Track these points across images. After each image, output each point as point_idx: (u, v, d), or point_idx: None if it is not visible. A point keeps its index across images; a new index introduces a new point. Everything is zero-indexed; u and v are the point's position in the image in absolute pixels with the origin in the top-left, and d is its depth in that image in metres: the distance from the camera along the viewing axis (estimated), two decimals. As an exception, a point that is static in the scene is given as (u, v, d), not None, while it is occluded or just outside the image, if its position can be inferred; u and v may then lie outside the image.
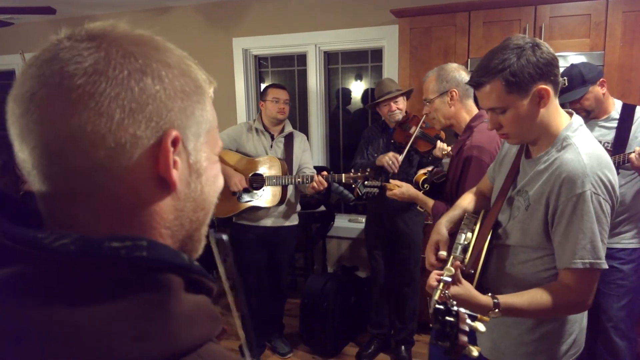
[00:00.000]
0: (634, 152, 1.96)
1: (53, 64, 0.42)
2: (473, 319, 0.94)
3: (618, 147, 2.13)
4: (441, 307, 0.98)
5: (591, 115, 2.22)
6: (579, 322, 1.33)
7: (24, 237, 0.38)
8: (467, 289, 1.20)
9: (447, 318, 0.94)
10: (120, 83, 0.41)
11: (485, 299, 1.20)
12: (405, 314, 2.90)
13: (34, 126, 0.41)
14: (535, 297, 1.20)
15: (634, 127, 2.14)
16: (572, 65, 2.27)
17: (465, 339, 0.90)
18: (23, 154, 0.43)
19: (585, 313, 1.36)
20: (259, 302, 2.84)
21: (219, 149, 0.52)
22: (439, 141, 2.42)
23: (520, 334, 1.33)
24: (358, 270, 3.63)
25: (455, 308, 0.95)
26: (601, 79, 2.16)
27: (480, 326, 0.93)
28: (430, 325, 0.99)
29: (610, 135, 2.18)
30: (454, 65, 1.91)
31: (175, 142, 0.44)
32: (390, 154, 2.53)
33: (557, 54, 3.09)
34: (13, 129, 0.43)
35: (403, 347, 2.92)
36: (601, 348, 2.28)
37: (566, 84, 2.19)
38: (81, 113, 0.40)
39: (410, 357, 2.91)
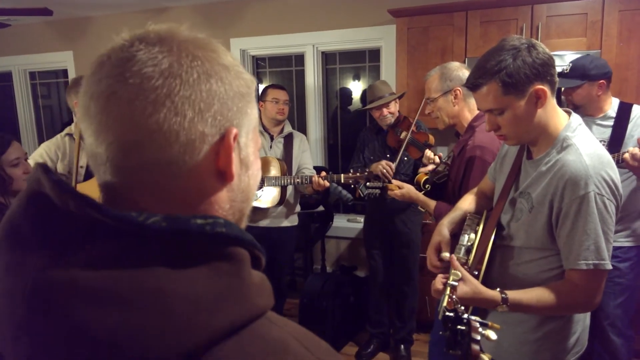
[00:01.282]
0: (627, 152, 1.96)
1: (131, 64, 0.45)
2: (484, 326, 0.94)
3: (614, 145, 2.14)
4: (451, 314, 0.97)
5: (581, 112, 2.23)
6: (582, 321, 1.33)
7: (120, 216, 0.42)
8: (474, 285, 1.21)
9: (459, 327, 0.93)
10: (192, 85, 0.46)
11: (493, 293, 1.21)
12: (405, 313, 2.91)
13: (113, 123, 0.45)
14: (544, 294, 1.20)
15: (630, 126, 2.13)
16: (586, 55, 2.26)
17: (477, 347, 0.90)
18: (99, 148, 0.46)
19: (588, 312, 1.37)
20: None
21: (259, 145, 0.57)
22: (427, 150, 2.42)
23: (523, 332, 1.33)
24: (357, 269, 3.63)
25: (465, 316, 0.95)
26: (601, 81, 2.14)
27: (491, 334, 0.93)
28: (441, 332, 0.99)
29: (606, 134, 2.18)
30: (457, 64, 1.90)
31: (235, 139, 0.49)
32: (384, 162, 2.52)
33: (553, 53, 3.11)
34: (87, 124, 0.47)
35: (402, 346, 2.92)
36: (598, 346, 2.29)
37: (567, 70, 2.20)
38: (159, 112, 0.44)
39: (409, 356, 2.91)
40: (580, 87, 2.14)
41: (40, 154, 2.46)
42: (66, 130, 2.42)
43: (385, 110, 2.68)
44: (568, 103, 2.24)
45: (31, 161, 2.14)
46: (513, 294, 1.21)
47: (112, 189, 0.47)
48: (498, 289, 1.22)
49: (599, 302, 1.22)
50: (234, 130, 0.49)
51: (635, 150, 1.93)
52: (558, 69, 1.25)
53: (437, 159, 2.17)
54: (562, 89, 2.22)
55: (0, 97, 5.07)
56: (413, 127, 2.51)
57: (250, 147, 0.53)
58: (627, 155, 1.94)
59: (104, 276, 0.40)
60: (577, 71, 2.15)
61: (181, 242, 0.43)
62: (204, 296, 0.42)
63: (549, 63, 1.19)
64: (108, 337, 0.39)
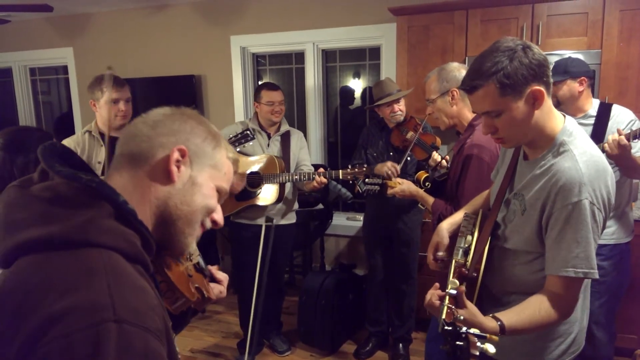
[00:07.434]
0: (606, 142, 1.99)
1: (148, 113, 0.82)
2: (482, 340, 0.94)
3: (595, 142, 2.18)
4: (449, 328, 0.97)
5: (561, 109, 2.25)
6: (579, 322, 1.33)
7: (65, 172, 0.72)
8: (471, 313, 1.15)
9: (458, 342, 0.94)
10: (169, 123, 0.79)
11: (491, 324, 1.16)
12: (403, 312, 2.91)
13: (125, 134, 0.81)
14: (535, 314, 1.18)
15: (610, 123, 2.18)
16: (568, 57, 2.34)
17: None
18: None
19: (587, 312, 1.37)
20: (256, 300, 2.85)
21: (218, 183, 0.82)
22: (434, 152, 2.41)
23: None
24: (356, 267, 3.64)
25: (464, 330, 0.95)
26: (582, 78, 2.20)
27: (490, 347, 0.93)
28: (441, 346, 0.99)
29: (587, 132, 2.21)
30: (455, 64, 1.90)
31: (183, 154, 0.76)
32: (389, 163, 2.50)
33: (554, 52, 3.09)
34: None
35: (401, 344, 2.93)
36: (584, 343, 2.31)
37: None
38: (146, 129, 0.78)
39: (408, 354, 2.92)
40: (564, 82, 2.21)
41: None
42: (86, 128, 2.48)
43: (396, 107, 2.65)
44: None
45: None
46: (508, 321, 1.17)
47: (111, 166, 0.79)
48: (491, 315, 1.18)
49: (573, 311, 1.22)
50: (182, 147, 0.76)
51: (615, 136, 1.97)
52: None
53: (444, 163, 2.17)
54: None
55: (1, 93, 5.07)
56: (419, 127, 2.50)
57: (202, 174, 0.79)
58: (606, 145, 1.98)
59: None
60: (560, 69, 2.24)
61: (75, 186, 0.70)
62: (72, 216, 0.66)
63: (544, 64, 1.18)
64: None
